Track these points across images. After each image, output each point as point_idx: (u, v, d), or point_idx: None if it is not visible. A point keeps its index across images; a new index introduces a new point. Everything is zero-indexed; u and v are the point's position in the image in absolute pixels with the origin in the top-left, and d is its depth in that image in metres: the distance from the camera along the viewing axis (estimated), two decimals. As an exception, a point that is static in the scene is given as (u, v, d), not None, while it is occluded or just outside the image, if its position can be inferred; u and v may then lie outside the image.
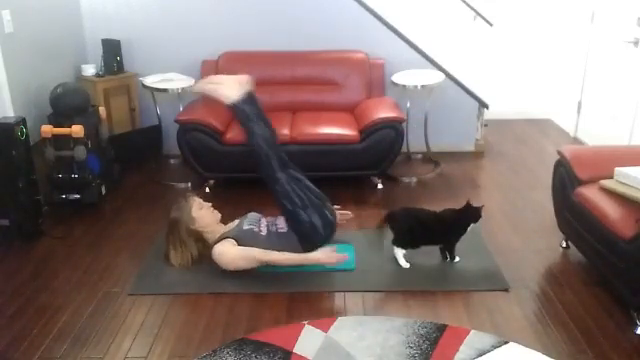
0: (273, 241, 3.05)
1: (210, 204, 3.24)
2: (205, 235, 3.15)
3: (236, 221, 3.22)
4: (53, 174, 3.76)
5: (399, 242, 3.14)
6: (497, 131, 5.48)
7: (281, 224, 3.14)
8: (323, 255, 2.99)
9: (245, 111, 3.07)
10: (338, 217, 3.20)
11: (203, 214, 3.17)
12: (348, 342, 2.47)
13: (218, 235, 3.10)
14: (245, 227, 3.11)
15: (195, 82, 3.18)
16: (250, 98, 3.09)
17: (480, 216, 3.10)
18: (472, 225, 3.12)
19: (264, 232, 3.10)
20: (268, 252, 2.99)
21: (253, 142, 3.06)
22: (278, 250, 3.01)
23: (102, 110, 4.10)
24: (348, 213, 3.37)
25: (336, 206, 3.17)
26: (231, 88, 3.08)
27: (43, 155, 3.72)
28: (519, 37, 5.76)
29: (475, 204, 3.11)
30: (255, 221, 3.17)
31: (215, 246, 3.04)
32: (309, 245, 3.03)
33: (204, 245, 3.14)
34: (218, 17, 4.68)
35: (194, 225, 3.13)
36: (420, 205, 3.38)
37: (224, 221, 3.27)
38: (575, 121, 5.45)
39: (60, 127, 3.70)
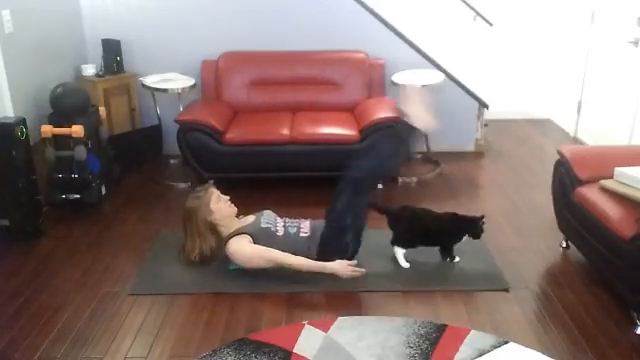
0: (289, 242, 3.02)
1: (228, 197, 3.19)
2: (219, 228, 3.12)
3: (251, 217, 3.18)
4: (53, 174, 3.76)
5: (398, 241, 3.14)
6: (497, 131, 5.48)
7: (305, 228, 3.10)
8: (340, 267, 2.96)
9: (401, 138, 3.18)
10: (351, 270, 3.01)
11: (221, 207, 3.12)
12: (348, 342, 2.48)
13: (232, 229, 3.08)
14: (263, 225, 3.07)
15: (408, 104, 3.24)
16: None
17: (479, 232, 3.07)
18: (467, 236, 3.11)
19: (280, 232, 3.07)
20: (287, 255, 2.96)
21: (390, 161, 3.19)
22: (292, 252, 2.98)
23: (102, 110, 4.10)
24: (362, 270, 3.02)
25: (353, 261, 3.04)
26: (425, 118, 3.14)
27: (43, 155, 3.72)
28: (519, 37, 5.76)
29: (474, 215, 3.10)
30: (272, 220, 3.14)
31: (230, 241, 3.01)
32: (329, 258, 2.99)
33: (217, 238, 3.11)
34: (218, 17, 4.68)
35: (210, 217, 3.09)
36: (420, 205, 3.38)
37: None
38: (575, 121, 5.45)
39: (60, 127, 3.69)
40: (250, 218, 3.17)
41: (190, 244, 3.10)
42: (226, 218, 3.13)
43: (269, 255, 2.96)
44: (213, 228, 3.11)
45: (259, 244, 2.99)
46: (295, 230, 3.09)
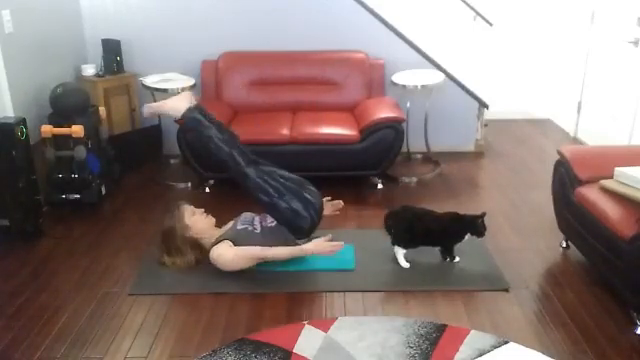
0: (267, 236, 3.06)
1: (202, 209, 3.23)
2: (202, 241, 3.15)
3: (230, 223, 3.23)
4: (53, 174, 3.76)
5: (399, 241, 3.14)
6: (497, 131, 5.48)
7: (270, 218, 3.15)
8: (316, 247, 2.99)
9: (196, 118, 3.15)
10: (330, 208, 3.25)
11: (196, 220, 3.16)
12: (348, 342, 2.48)
13: (213, 239, 3.11)
14: (239, 227, 3.12)
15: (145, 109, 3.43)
16: (198, 107, 3.19)
17: (482, 230, 3.07)
18: (470, 235, 3.11)
19: (258, 229, 3.11)
20: (265, 248, 3.00)
21: (212, 145, 3.12)
22: (273, 244, 3.02)
23: (102, 110, 4.10)
24: (339, 202, 3.35)
25: (327, 197, 3.21)
26: (177, 103, 3.20)
27: (43, 155, 3.72)
28: (519, 37, 5.76)
29: (474, 214, 3.10)
30: (249, 220, 3.18)
31: (212, 249, 3.04)
32: (299, 232, 3.07)
33: (202, 251, 3.13)
34: (218, 17, 4.68)
35: (189, 233, 3.12)
36: (420, 205, 3.38)
37: (223, 221, 3.27)
38: (575, 121, 5.45)
39: (60, 127, 3.70)
40: (229, 224, 3.22)
41: (167, 261, 3.11)
42: (206, 230, 3.17)
43: (249, 253, 2.99)
44: (194, 243, 3.13)
45: (241, 245, 3.01)
46: (265, 223, 3.14)
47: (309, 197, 3.09)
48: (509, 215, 3.80)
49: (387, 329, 2.56)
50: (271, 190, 3.05)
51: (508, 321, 2.67)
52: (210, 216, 3.24)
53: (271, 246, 3.02)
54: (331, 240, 3.01)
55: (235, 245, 3.01)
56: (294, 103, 4.58)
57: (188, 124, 3.20)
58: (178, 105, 3.18)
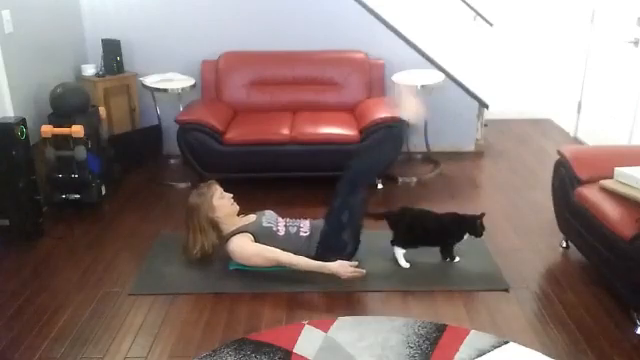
0: (290, 242, 3.03)
1: (231, 195, 3.19)
2: (220, 225, 3.12)
3: (253, 216, 3.19)
4: (53, 174, 3.76)
5: (398, 242, 3.14)
6: (497, 131, 5.48)
7: (305, 228, 3.11)
8: (340, 268, 2.94)
9: (400, 138, 3.18)
10: (350, 271, 2.95)
11: (224, 204, 3.13)
12: (348, 342, 2.48)
13: (233, 227, 3.08)
14: (264, 224, 3.09)
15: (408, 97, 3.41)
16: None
17: (480, 230, 3.07)
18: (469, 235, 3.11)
19: (282, 232, 3.08)
20: (288, 254, 2.96)
21: (393, 157, 3.10)
22: (292, 251, 2.99)
23: (102, 110, 4.10)
24: (363, 271, 2.98)
25: (354, 262, 3.00)
26: (412, 112, 3.21)
27: (43, 155, 3.72)
28: (519, 37, 5.76)
29: (473, 214, 3.10)
30: (273, 220, 3.15)
31: (233, 238, 3.02)
32: (326, 257, 2.99)
33: (218, 235, 3.12)
34: (218, 17, 4.68)
35: (212, 213, 3.09)
36: (420, 205, 3.38)
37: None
38: (575, 121, 5.45)
39: (60, 127, 3.70)
40: (252, 217, 3.18)
41: (192, 240, 3.10)
42: (228, 216, 3.14)
43: (270, 254, 2.97)
44: (215, 225, 3.11)
45: (260, 243, 3.00)
46: (295, 230, 3.10)
47: (359, 240, 3.09)
48: (509, 215, 3.79)
49: (387, 329, 2.56)
50: (350, 217, 3.02)
51: (508, 321, 2.67)
52: (235, 204, 3.19)
53: (291, 252, 2.98)
54: (357, 267, 2.97)
55: (256, 241, 3.00)
56: (294, 103, 4.58)
57: (398, 132, 3.18)
58: (410, 114, 3.21)
